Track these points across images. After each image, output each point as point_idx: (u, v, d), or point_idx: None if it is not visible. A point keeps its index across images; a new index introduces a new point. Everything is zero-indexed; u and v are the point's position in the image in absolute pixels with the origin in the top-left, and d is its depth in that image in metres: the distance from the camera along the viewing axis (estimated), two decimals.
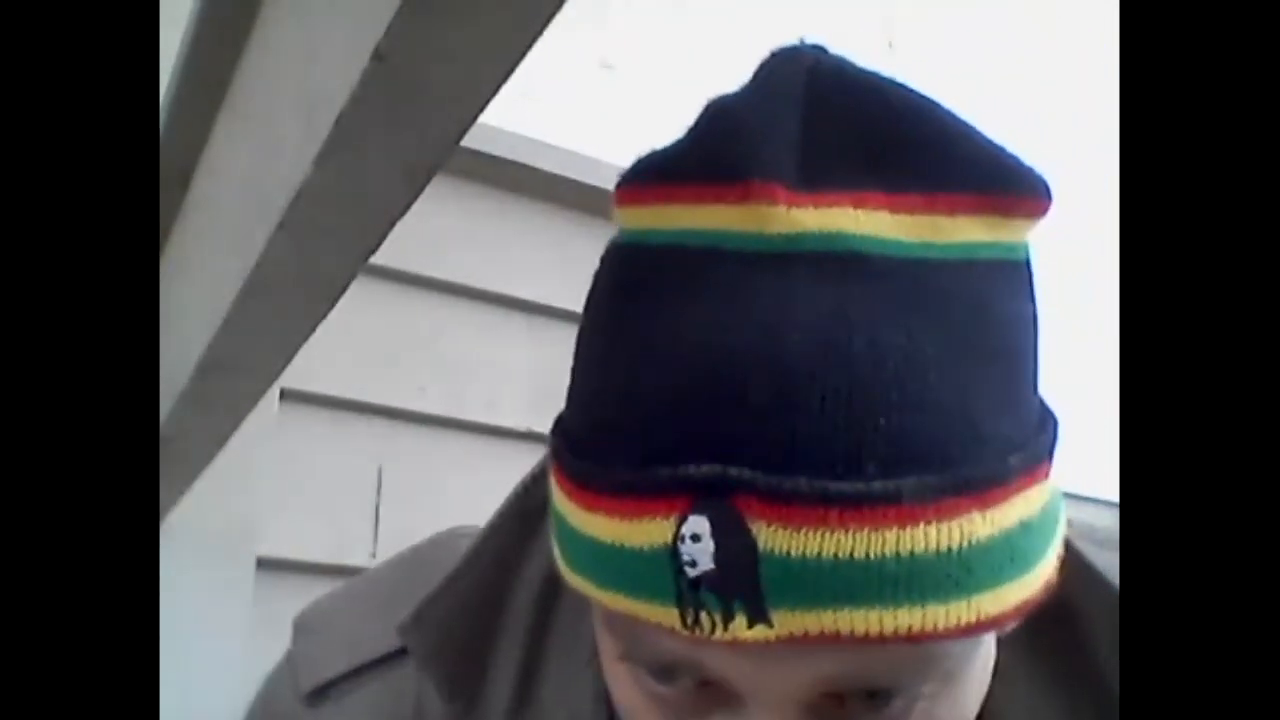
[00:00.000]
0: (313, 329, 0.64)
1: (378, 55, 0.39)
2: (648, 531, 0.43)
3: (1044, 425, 0.47)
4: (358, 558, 1.28)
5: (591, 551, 0.46)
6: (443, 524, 0.69)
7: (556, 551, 0.50)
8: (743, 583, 0.41)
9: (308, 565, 1.26)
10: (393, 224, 0.51)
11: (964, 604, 0.42)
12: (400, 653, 0.60)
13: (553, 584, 0.58)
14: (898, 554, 0.41)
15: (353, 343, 1.32)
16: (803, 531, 0.40)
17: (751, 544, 0.41)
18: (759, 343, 0.42)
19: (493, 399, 1.41)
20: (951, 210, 0.44)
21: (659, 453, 0.43)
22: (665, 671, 0.47)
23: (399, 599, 0.60)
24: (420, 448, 1.38)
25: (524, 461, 0.60)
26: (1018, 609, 0.44)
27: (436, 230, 1.37)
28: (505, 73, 0.41)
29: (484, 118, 0.44)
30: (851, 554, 0.40)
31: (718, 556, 0.41)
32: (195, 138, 0.72)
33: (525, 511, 0.60)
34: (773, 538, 0.41)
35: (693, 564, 0.42)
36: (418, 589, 0.59)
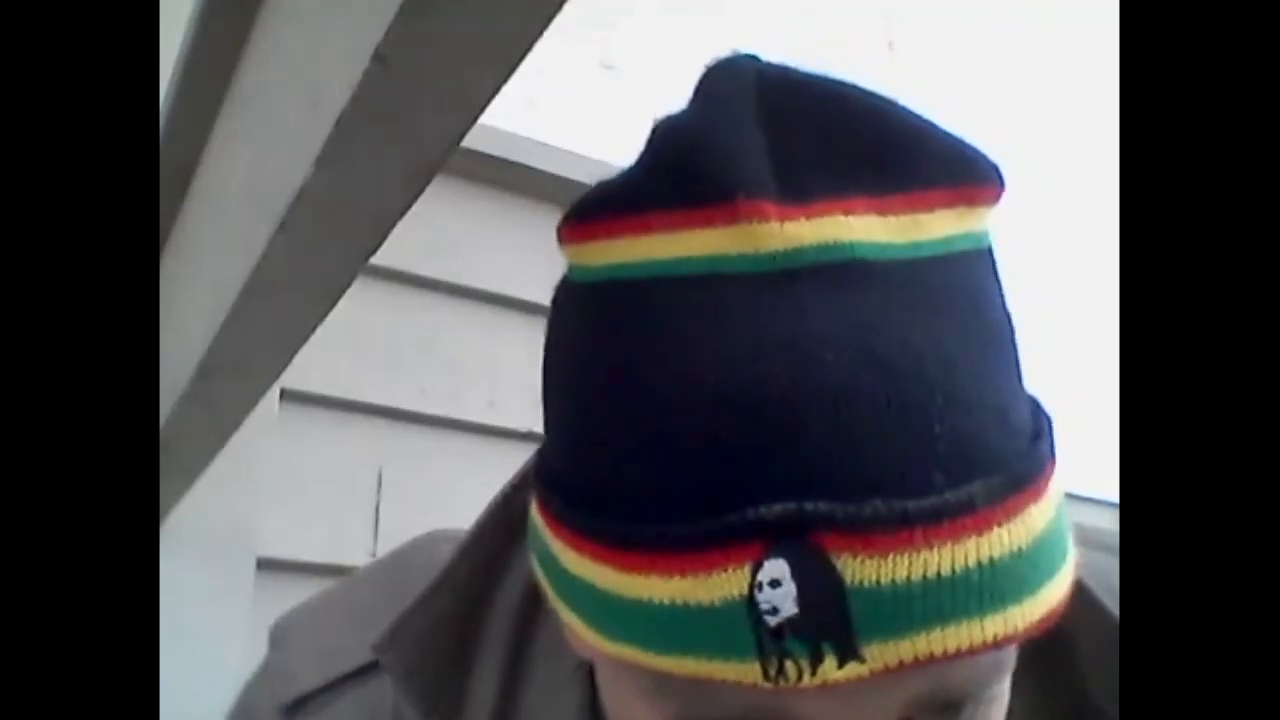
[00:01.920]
0: (313, 329, 0.64)
1: (378, 56, 0.39)
2: (719, 585, 0.40)
3: (1038, 409, 0.47)
4: (358, 558, 1.28)
5: (644, 617, 0.42)
6: (443, 524, 0.69)
7: (577, 622, 0.46)
8: (832, 622, 0.39)
9: (308, 565, 1.26)
10: (393, 224, 0.51)
11: (1034, 600, 0.41)
12: (378, 664, 0.58)
13: (536, 594, 0.55)
14: (979, 563, 0.40)
15: (353, 343, 1.32)
16: (889, 558, 0.39)
17: (838, 580, 0.39)
18: (794, 366, 0.40)
19: (493, 399, 1.41)
20: (930, 206, 0.43)
21: (718, 498, 0.40)
22: None
23: (376, 609, 0.58)
24: (420, 448, 1.38)
25: (524, 462, 0.60)
26: (1069, 590, 0.44)
27: (436, 230, 1.37)
28: (505, 73, 0.41)
29: (484, 118, 0.44)
30: (939, 572, 0.39)
31: (801, 599, 0.39)
32: (195, 138, 0.72)
33: (507, 521, 0.58)
34: (860, 569, 0.39)
35: (774, 611, 0.39)
36: (395, 599, 0.58)
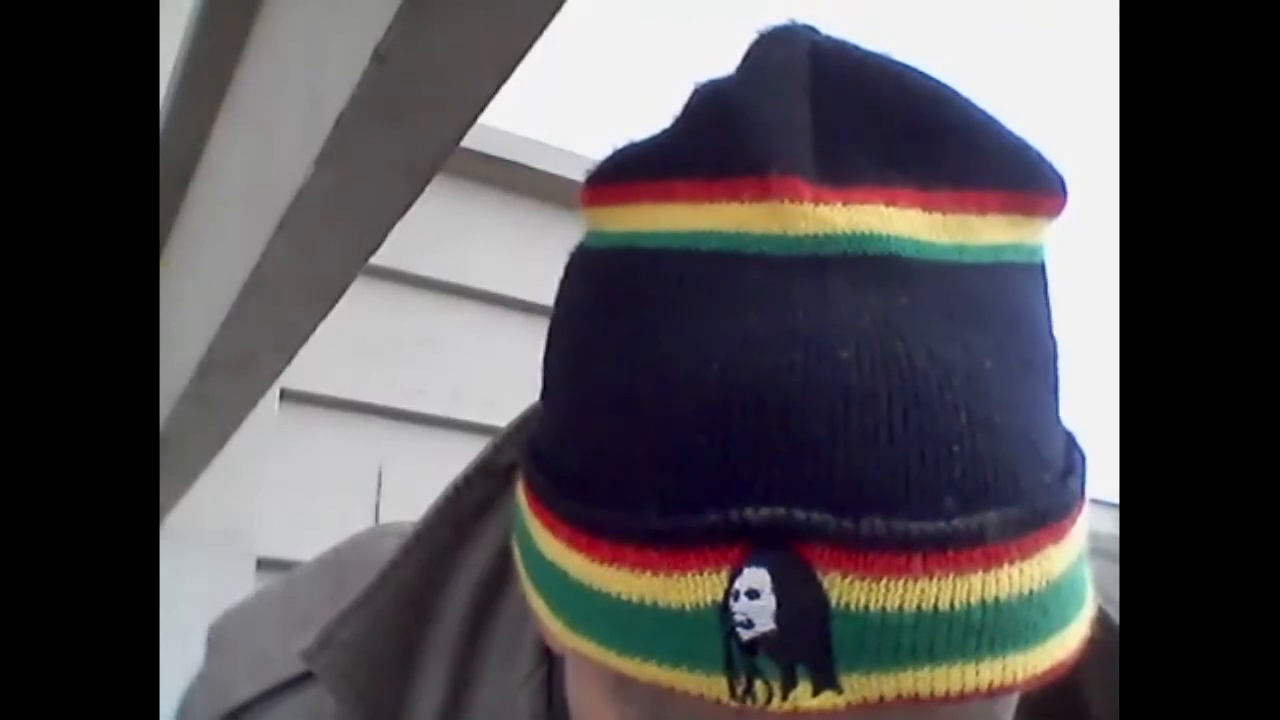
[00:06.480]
0: (313, 329, 0.65)
1: (378, 55, 0.39)
2: (691, 588, 0.36)
3: (1073, 444, 0.43)
4: None
5: (609, 612, 0.38)
6: None
7: (544, 608, 0.42)
8: (810, 645, 0.36)
9: None
10: (393, 224, 0.51)
11: (1040, 651, 0.38)
12: None
13: (488, 597, 0.53)
14: (983, 601, 0.36)
15: (353, 343, 1.32)
16: (882, 582, 0.35)
17: (823, 599, 0.35)
18: (808, 361, 0.36)
19: (493, 399, 1.41)
20: (982, 209, 0.40)
21: (703, 494, 0.36)
22: None
23: (313, 612, 0.55)
24: (420, 448, 1.38)
25: (477, 454, 0.58)
26: (1078, 649, 0.40)
27: (436, 230, 1.37)
28: (505, 73, 0.41)
29: (484, 118, 0.44)
30: (935, 605, 0.35)
31: (780, 615, 0.35)
32: (195, 138, 0.72)
33: (456, 518, 0.55)
34: (848, 591, 0.35)
35: (748, 624, 0.36)
36: (333, 601, 0.54)
